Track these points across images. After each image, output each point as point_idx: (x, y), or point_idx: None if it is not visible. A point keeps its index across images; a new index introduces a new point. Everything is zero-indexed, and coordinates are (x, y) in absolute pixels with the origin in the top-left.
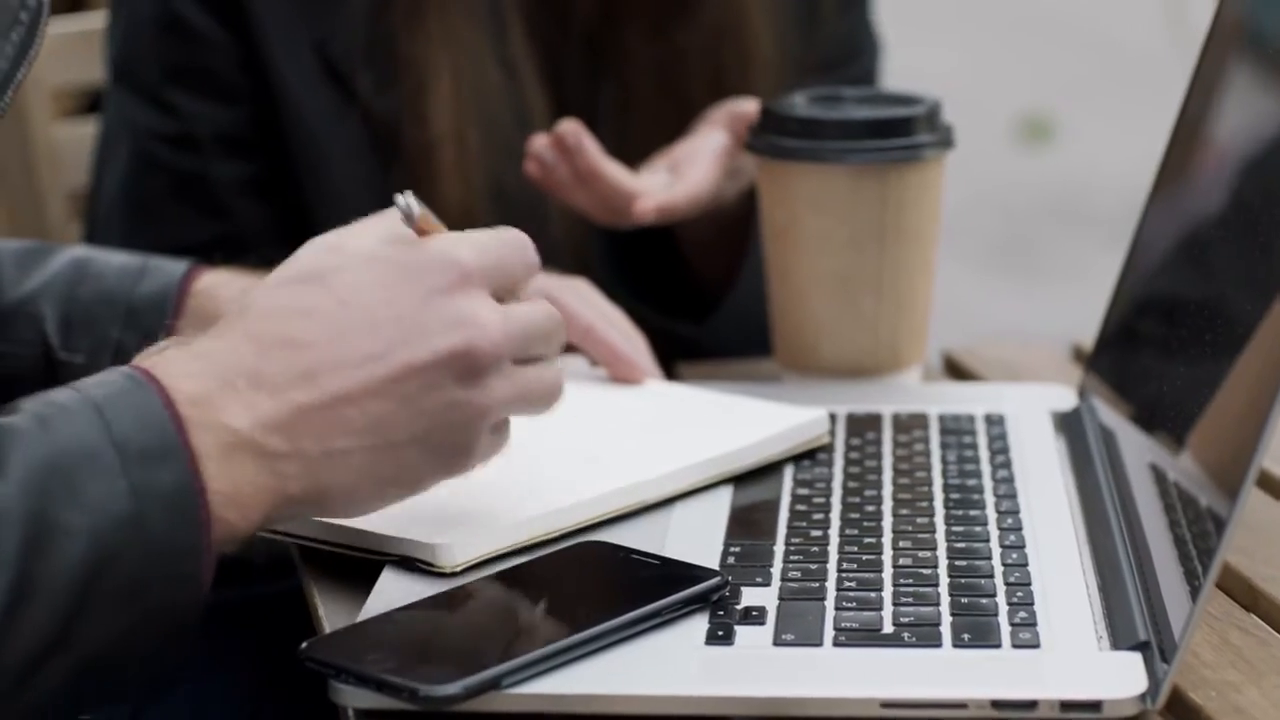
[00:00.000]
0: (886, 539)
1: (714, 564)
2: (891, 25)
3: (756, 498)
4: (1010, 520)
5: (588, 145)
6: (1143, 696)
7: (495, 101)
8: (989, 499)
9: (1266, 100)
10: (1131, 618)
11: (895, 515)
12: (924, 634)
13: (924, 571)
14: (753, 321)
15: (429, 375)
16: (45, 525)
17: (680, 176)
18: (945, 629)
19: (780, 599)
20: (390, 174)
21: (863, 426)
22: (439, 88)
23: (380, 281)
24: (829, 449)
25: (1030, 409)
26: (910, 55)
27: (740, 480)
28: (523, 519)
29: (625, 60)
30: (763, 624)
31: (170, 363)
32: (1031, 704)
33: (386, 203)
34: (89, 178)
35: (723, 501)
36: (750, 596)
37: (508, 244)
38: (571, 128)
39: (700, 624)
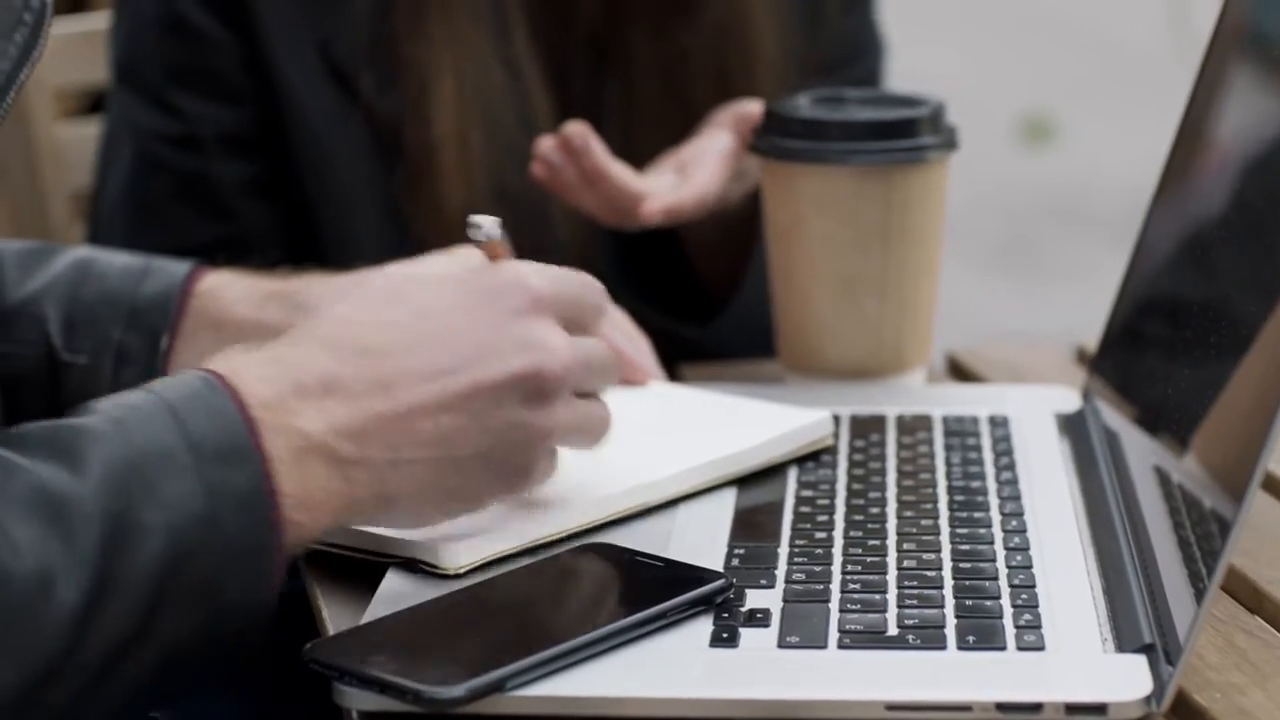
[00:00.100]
0: (891, 541)
1: (718, 566)
2: (893, 25)
3: (761, 499)
4: (1015, 522)
5: (594, 147)
6: (1148, 699)
7: (498, 102)
8: (993, 501)
9: (1271, 102)
10: (1136, 620)
11: (900, 517)
12: (929, 636)
13: (928, 574)
14: (757, 324)
15: (498, 394)
16: (124, 523)
17: (686, 178)
18: (950, 631)
19: (785, 601)
20: (393, 175)
21: (867, 428)
22: (441, 89)
23: (456, 301)
24: (833, 451)
25: (1034, 411)
26: (911, 56)
27: (744, 482)
28: (526, 521)
29: (629, 61)
30: (767, 626)
31: (243, 367)
32: (1036, 706)
33: (389, 203)
34: (92, 178)
35: (727, 503)
36: (755, 599)
37: (580, 282)
38: (578, 129)
39: (705, 626)
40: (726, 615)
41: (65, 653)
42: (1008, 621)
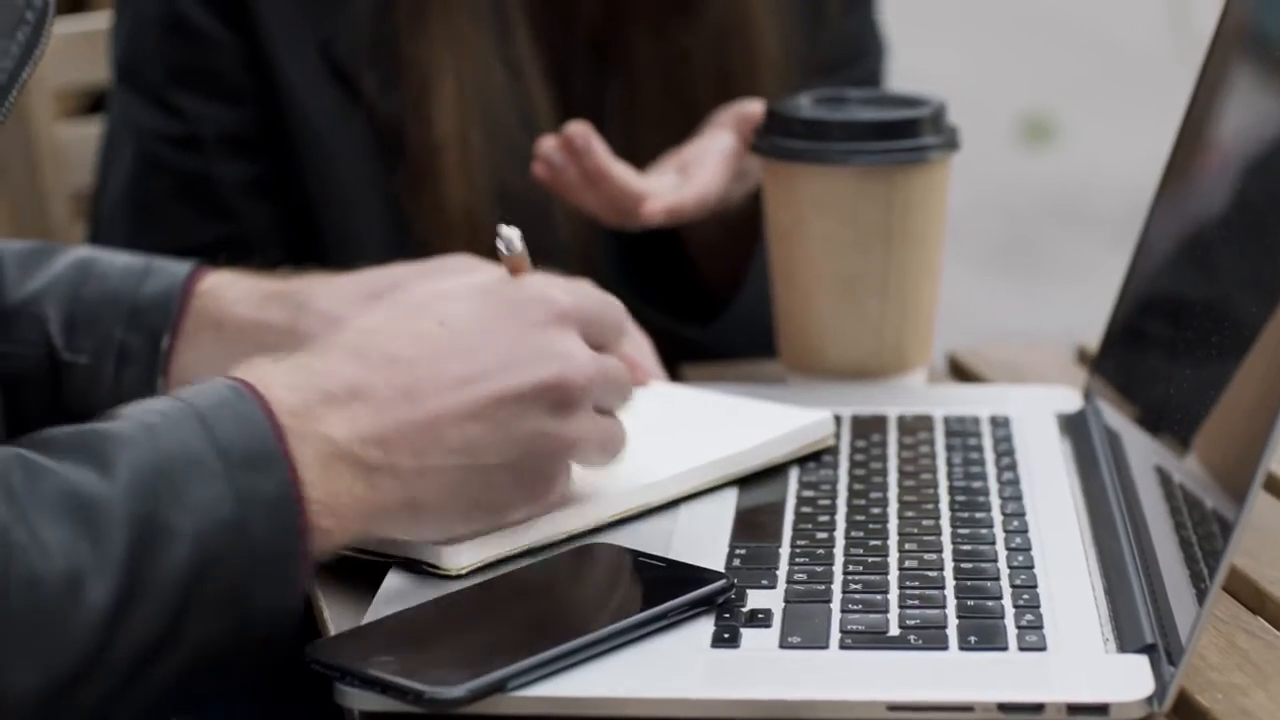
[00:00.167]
0: (892, 541)
1: (719, 566)
2: (893, 25)
3: (762, 500)
4: (1016, 523)
5: (596, 147)
6: (1150, 699)
7: (499, 102)
8: (994, 501)
9: (1272, 102)
10: (1138, 620)
11: (901, 517)
12: (930, 636)
13: (930, 574)
14: (759, 324)
15: (523, 403)
16: (152, 527)
17: (688, 178)
18: (951, 631)
19: (786, 601)
20: (394, 174)
21: (868, 428)
22: (442, 88)
23: (480, 311)
24: (834, 451)
25: (1035, 411)
26: (912, 56)
27: (745, 482)
28: (528, 522)
29: (630, 60)
30: (769, 626)
31: (270, 376)
32: (1038, 707)
33: (391, 203)
34: (92, 178)
35: (728, 504)
36: (756, 599)
37: (602, 299)
38: (580, 129)
39: (706, 626)
40: (728, 615)
41: (93, 655)
42: (1009, 622)
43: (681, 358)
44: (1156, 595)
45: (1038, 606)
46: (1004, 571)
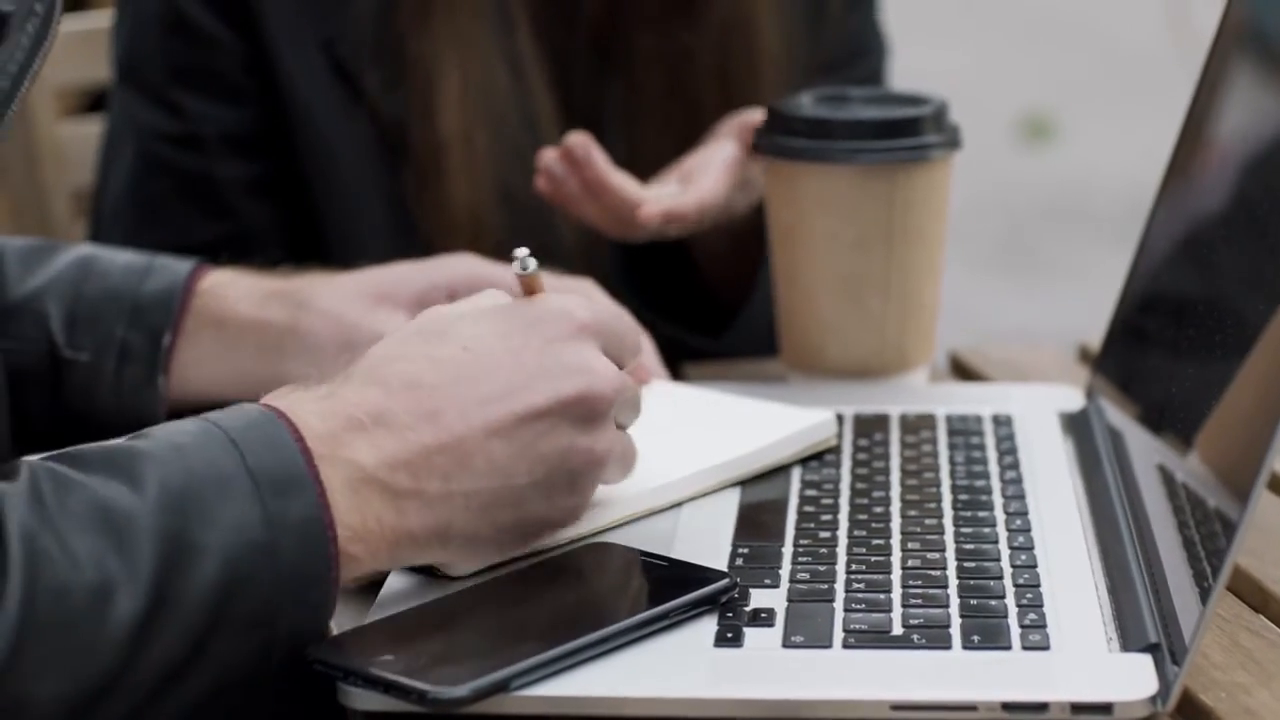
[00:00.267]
0: (895, 540)
1: (722, 566)
2: (892, 25)
3: (764, 499)
4: (1019, 521)
5: (596, 157)
6: (1153, 698)
7: (502, 102)
8: (997, 500)
9: (1274, 101)
10: (1141, 619)
11: (904, 516)
12: (933, 636)
13: (933, 573)
14: (768, 334)
15: (550, 419)
16: (181, 544)
17: (689, 186)
18: (955, 631)
19: (789, 601)
20: (398, 173)
21: (870, 427)
22: (447, 86)
23: (500, 330)
24: (837, 450)
25: (1038, 410)
26: (911, 55)
27: (748, 482)
28: None
29: (633, 60)
30: (771, 626)
31: (298, 403)
32: (1042, 706)
33: (394, 202)
34: (93, 177)
35: (730, 503)
36: (759, 598)
37: (618, 315)
38: (580, 140)
39: (709, 626)
40: (731, 615)
41: (120, 669)
42: (1013, 621)
43: (683, 356)
44: (1159, 594)
45: (1041, 606)
46: (1007, 570)
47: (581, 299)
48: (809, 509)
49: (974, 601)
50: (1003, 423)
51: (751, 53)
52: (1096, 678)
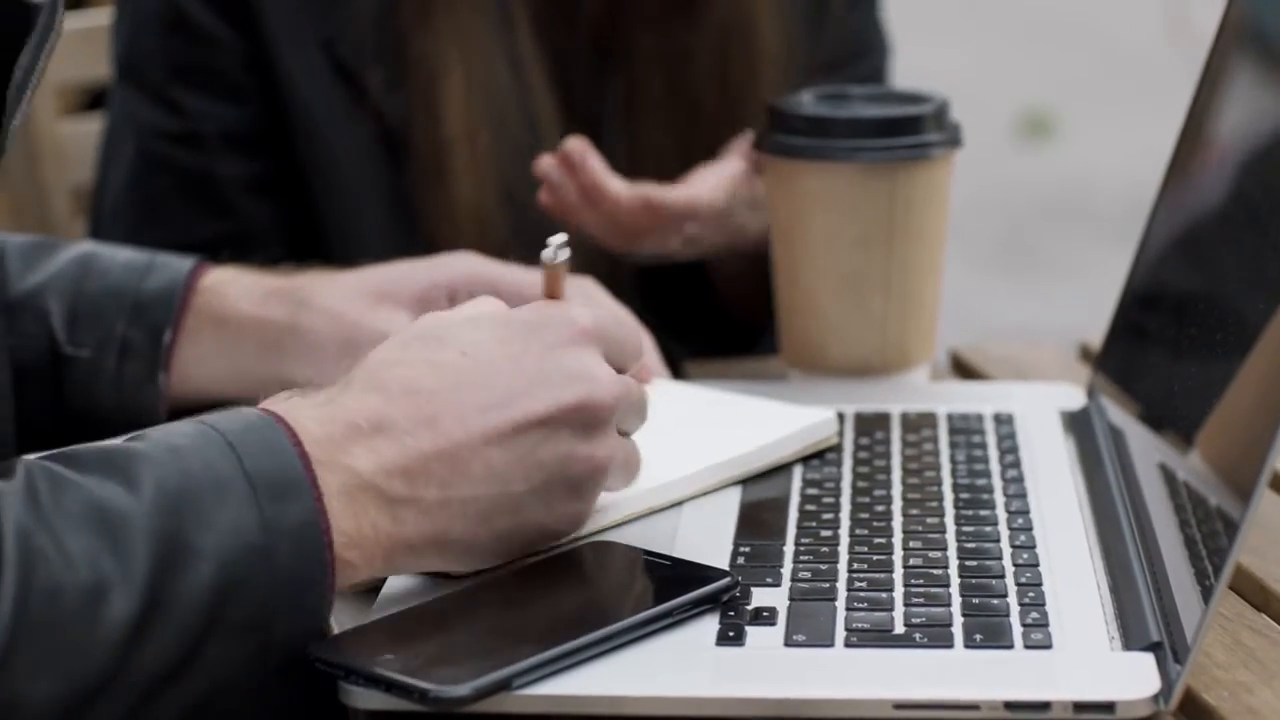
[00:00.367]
0: (897, 539)
1: (724, 564)
2: (893, 24)
3: (765, 497)
4: (1020, 520)
5: (592, 162)
6: (1156, 697)
7: (503, 101)
8: (999, 499)
9: (1274, 100)
10: (1144, 618)
11: (905, 515)
12: (936, 634)
13: (935, 572)
14: None
15: (550, 426)
16: (177, 545)
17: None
18: (957, 629)
19: (791, 599)
20: (399, 172)
21: (871, 426)
22: (450, 86)
23: (501, 336)
24: (838, 448)
25: (1039, 408)
26: (912, 54)
27: (749, 480)
28: None
29: (633, 59)
30: (773, 624)
31: (297, 408)
32: (1044, 705)
33: (395, 201)
34: (93, 175)
35: (732, 501)
36: (761, 597)
37: (622, 320)
38: (577, 145)
39: (711, 625)
40: (733, 614)
41: (114, 669)
42: (1015, 620)
43: (683, 355)
44: (1161, 593)
45: (1043, 604)
46: (1009, 569)
47: (585, 306)
48: (810, 508)
49: (976, 600)
50: (1004, 421)
51: (751, 53)
52: (1099, 677)
